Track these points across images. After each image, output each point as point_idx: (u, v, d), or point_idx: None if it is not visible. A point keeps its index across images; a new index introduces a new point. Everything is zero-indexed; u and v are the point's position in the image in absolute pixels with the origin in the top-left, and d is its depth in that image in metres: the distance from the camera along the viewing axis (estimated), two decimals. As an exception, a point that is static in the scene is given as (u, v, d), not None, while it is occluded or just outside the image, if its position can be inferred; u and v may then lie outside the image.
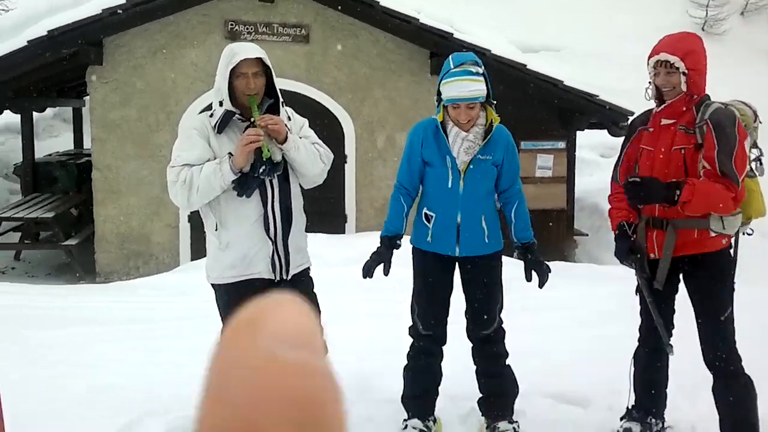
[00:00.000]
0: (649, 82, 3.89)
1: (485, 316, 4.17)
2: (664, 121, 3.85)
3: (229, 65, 3.67)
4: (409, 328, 4.30)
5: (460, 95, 3.91)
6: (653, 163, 3.83)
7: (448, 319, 4.25)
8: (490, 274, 4.19)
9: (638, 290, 4.04)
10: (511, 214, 4.21)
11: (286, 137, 3.73)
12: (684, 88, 3.76)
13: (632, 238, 3.93)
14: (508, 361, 4.28)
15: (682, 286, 3.97)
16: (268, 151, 3.66)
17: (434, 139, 4.08)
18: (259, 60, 3.73)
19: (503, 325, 4.27)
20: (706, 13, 25.30)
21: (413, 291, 4.28)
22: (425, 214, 4.16)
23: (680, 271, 3.90)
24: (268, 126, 3.67)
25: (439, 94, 4.05)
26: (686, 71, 3.75)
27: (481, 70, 3.95)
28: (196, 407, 0.36)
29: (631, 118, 4.23)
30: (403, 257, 4.32)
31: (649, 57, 3.84)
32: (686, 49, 3.77)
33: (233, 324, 0.39)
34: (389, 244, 4.18)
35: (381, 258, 4.16)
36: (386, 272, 4.16)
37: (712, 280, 3.82)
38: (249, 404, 0.33)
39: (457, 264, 4.19)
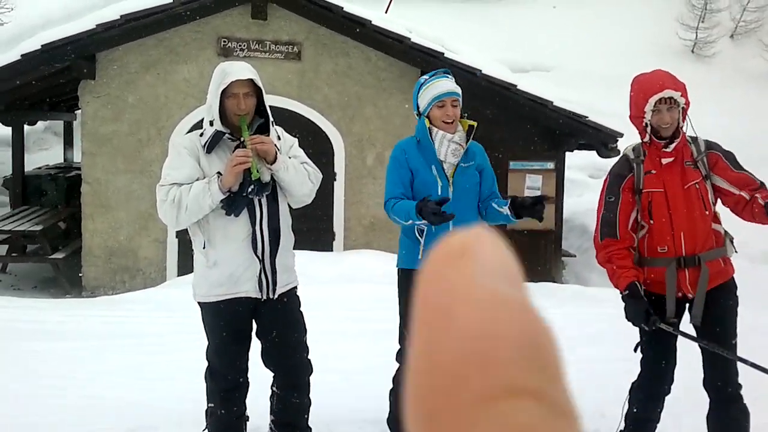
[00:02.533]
0: (646, 122, 3.80)
1: None
2: (665, 161, 3.83)
3: (220, 85, 3.69)
4: (397, 353, 4.24)
5: (446, 89, 4.02)
6: (670, 203, 3.79)
7: None
8: None
9: (640, 344, 3.99)
10: (492, 203, 4.13)
11: (276, 158, 3.76)
12: (682, 123, 3.80)
13: (644, 299, 3.81)
14: None
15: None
16: (258, 171, 3.68)
17: (418, 150, 4.08)
18: (251, 80, 3.76)
19: None
20: (696, 36, 25.52)
21: (401, 320, 4.19)
22: (418, 228, 4.03)
23: (687, 304, 3.91)
24: (257, 146, 3.70)
25: (417, 108, 4.11)
26: (683, 106, 3.79)
27: (453, 79, 4.12)
28: (414, 343, 0.34)
29: (610, 170, 4.01)
30: (389, 275, 4.32)
31: (646, 96, 3.76)
32: (681, 84, 3.80)
33: (440, 256, 0.37)
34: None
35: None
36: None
37: (729, 306, 3.83)
38: (481, 337, 0.32)
39: None
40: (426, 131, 4.05)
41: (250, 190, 3.70)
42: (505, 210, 4.01)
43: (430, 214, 3.70)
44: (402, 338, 4.20)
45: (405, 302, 4.18)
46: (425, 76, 4.14)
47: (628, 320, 3.85)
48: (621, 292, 3.86)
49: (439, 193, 4.00)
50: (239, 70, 3.74)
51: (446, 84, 4.05)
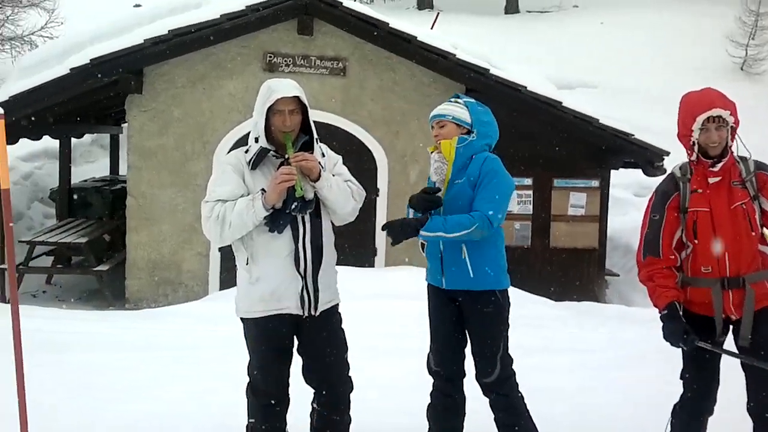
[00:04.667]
0: (693, 140, 3.74)
1: (482, 363, 4.02)
2: (712, 180, 3.77)
3: (266, 103, 3.71)
4: (427, 365, 4.26)
5: (432, 114, 4.18)
6: (716, 223, 3.73)
7: (465, 355, 4.16)
8: (482, 317, 3.99)
9: (684, 364, 3.92)
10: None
11: (320, 175, 3.76)
12: (730, 142, 3.74)
13: (682, 319, 3.76)
14: (527, 406, 4.10)
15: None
16: (302, 189, 3.68)
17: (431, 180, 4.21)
18: (297, 97, 3.76)
19: (510, 374, 4.05)
20: (746, 53, 25.15)
21: (429, 331, 4.27)
22: (421, 244, 4.16)
23: (730, 326, 3.83)
24: (302, 164, 3.69)
25: None
26: (733, 125, 3.72)
27: (460, 100, 4.19)
28: None
29: (656, 188, 3.98)
30: (426, 290, 4.29)
31: (694, 114, 3.72)
32: (731, 103, 3.75)
33: None
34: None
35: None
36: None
37: None
38: None
39: (456, 300, 4.08)
40: None
41: (293, 207, 3.70)
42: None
43: (419, 200, 3.94)
44: (430, 348, 4.20)
45: (429, 314, 4.25)
46: None
47: (666, 340, 3.80)
48: (660, 311, 3.81)
49: (431, 213, 4.01)
50: (285, 87, 3.76)
51: (435, 110, 4.19)
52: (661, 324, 3.81)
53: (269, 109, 3.73)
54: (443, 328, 4.13)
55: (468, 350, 4.16)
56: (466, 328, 4.09)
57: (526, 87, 10.71)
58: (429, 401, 4.27)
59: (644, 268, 3.91)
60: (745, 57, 25.13)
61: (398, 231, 3.81)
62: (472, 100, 4.21)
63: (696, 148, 3.77)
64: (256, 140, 3.77)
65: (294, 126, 3.77)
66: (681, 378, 3.94)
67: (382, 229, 3.89)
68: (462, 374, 4.18)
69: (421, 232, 3.79)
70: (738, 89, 14.10)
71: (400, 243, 3.88)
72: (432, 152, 4.18)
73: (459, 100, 4.19)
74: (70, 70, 10.15)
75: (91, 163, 18.66)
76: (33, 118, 10.85)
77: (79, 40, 11.18)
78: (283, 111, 3.72)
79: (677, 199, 3.84)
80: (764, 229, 3.80)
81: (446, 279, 4.02)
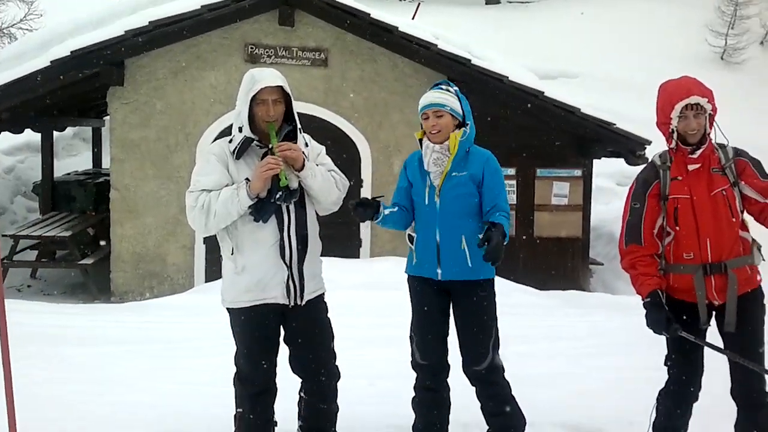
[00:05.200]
0: (672, 128, 3.78)
1: (475, 351, 4.05)
2: (692, 167, 3.81)
3: (249, 92, 3.72)
4: (411, 359, 4.25)
5: (426, 101, 4.09)
6: (696, 210, 3.76)
7: (448, 348, 4.19)
8: (478, 305, 4.05)
9: (669, 356, 3.96)
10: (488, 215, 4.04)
11: (303, 164, 3.78)
12: (709, 129, 3.78)
13: (665, 307, 3.80)
14: (513, 393, 4.16)
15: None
16: (286, 178, 3.70)
17: (418, 163, 4.16)
18: (280, 87, 3.77)
19: (499, 362, 4.11)
20: (725, 42, 25.32)
21: (411, 320, 4.24)
22: (408, 235, 4.17)
23: (713, 312, 3.87)
24: (286, 153, 3.71)
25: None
26: (711, 113, 3.77)
27: (452, 89, 4.17)
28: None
29: (637, 176, 4.01)
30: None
31: (672, 102, 3.75)
32: (708, 90, 3.79)
33: None
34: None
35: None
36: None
37: (756, 314, 3.81)
38: None
39: (447, 290, 4.11)
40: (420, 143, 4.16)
41: (278, 196, 3.72)
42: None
43: (354, 207, 3.96)
44: (411, 341, 4.21)
45: (411, 305, 4.25)
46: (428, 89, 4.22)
47: (649, 327, 3.84)
48: (642, 299, 3.85)
49: (426, 202, 4.06)
50: (269, 76, 3.77)
51: (429, 95, 4.12)
52: (644, 311, 3.86)
53: (252, 99, 3.73)
54: (431, 320, 4.12)
55: (451, 341, 4.18)
56: (457, 318, 4.12)
57: (508, 77, 10.74)
58: (413, 395, 4.28)
59: (626, 256, 3.94)
60: (724, 47, 25.29)
61: (500, 249, 3.72)
62: (458, 90, 4.21)
63: (675, 135, 3.80)
64: (240, 130, 3.77)
65: (277, 116, 3.79)
66: (665, 365, 3.98)
67: (487, 260, 3.74)
68: (447, 367, 4.20)
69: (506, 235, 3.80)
70: (718, 79, 14.20)
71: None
72: (421, 139, 4.15)
73: (450, 89, 4.17)
74: (51, 62, 10.08)
75: (73, 156, 18.54)
76: (14, 111, 10.79)
77: (59, 32, 11.13)
78: (267, 100, 3.73)
79: (657, 187, 3.87)
80: (744, 214, 3.86)
81: (443, 270, 4.02)
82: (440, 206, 3.98)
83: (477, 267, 4.00)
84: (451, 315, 4.18)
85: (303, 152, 3.82)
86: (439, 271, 4.03)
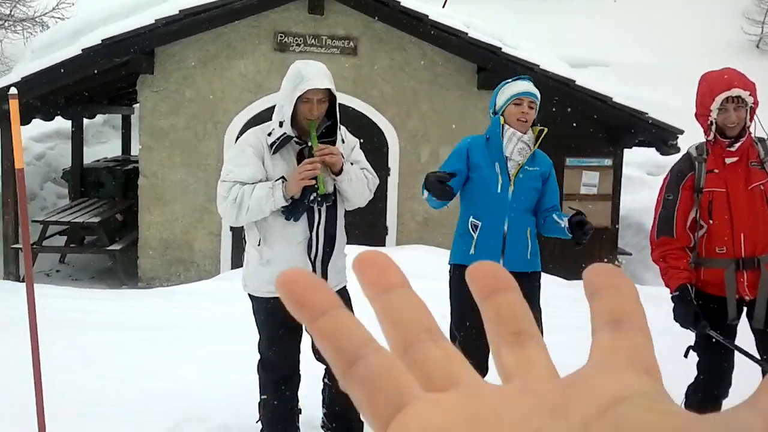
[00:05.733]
0: (711, 120, 3.71)
1: None
2: (729, 160, 3.74)
3: (295, 90, 3.63)
4: None
5: (525, 89, 4.06)
6: (732, 203, 3.71)
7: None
8: (530, 296, 4.04)
9: (692, 347, 3.91)
10: (553, 215, 4.13)
11: (341, 169, 3.74)
12: (749, 123, 3.71)
13: (694, 302, 3.77)
14: None
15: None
16: (324, 185, 3.66)
17: (485, 146, 4.11)
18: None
19: None
20: (762, 30, 24.91)
21: (452, 318, 4.19)
22: (471, 222, 4.10)
23: (745, 308, 3.81)
24: (325, 159, 3.66)
25: (493, 107, 4.15)
26: (752, 106, 3.69)
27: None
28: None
29: (672, 167, 3.98)
30: (441, 271, 4.28)
31: (713, 93, 3.68)
32: (751, 83, 3.71)
33: None
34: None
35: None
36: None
37: None
38: None
39: None
40: (498, 128, 4.06)
41: (312, 198, 3.69)
42: (564, 223, 4.00)
43: (434, 182, 3.86)
44: (452, 337, 4.15)
45: (455, 299, 4.17)
46: (509, 80, 4.21)
47: (676, 321, 3.80)
48: (671, 293, 3.80)
49: (498, 190, 4.02)
50: (317, 77, 3.65)
51: (526, 84, 4.11)
52: (672, 304, 3.80)
53: (298, 97, 3.65)
54: (479, 318, 4.09)
55: None
56: None
57: (539, 66, 10.65)
58: None
59: (657, 248, 3.90)
60: (761, 35, 24.91)
61: (587, 233, 3.90)
62: None
63: (713, 128, 3.73)
64: (281, 124, 3.71)
65: (320, 115, 3.73)
66: (685, 357, 3.93)
67: (580, 236, 3.95)
68: (488, 365, 4.17)
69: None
70: (753, 67, 13.96)
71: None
72: (507, 127, 4.07)
73: (531, 81, 4.22)
74: (82, 50, 10.15)
75: (103, 143, 18.70)
76: (45, 99, 10.87)
77: (90, 21, 11.19)
78: (312, 99, 3.65)
79: (692, 179, 3.81)
80: None
81: (506, 260, 4.02)
82: (513, 195, 3.99)
83: (534, 259, 4.11)
84: None
85: (341, 154, 3.77)
86: (501, 261, 4.01)
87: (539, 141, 4.09)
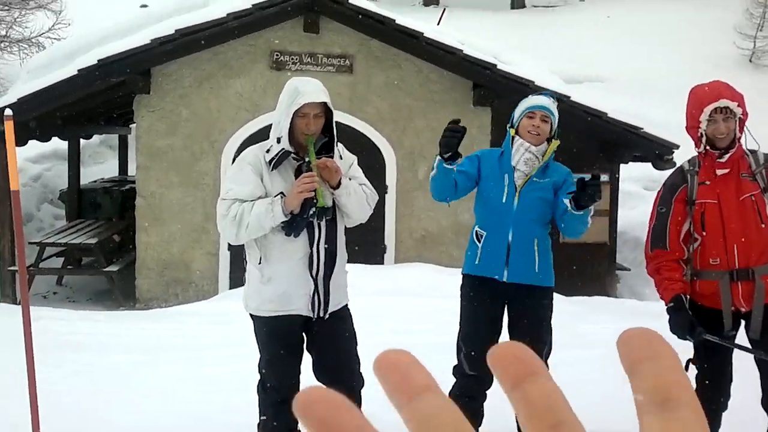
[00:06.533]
0: (701, 132, 3.73)
1: None
2: (720, 172, 3.76)
3: (292, 105, 3.66)
4: (454, 367, 4.18)
5: (539, 102, 4.11)
6: (724, 215, 3.72)
7: None
8: (538, 312, 4.04)
9: (692, 361, 3.90)
10: (561, 200, 4.01)
11: (340, 182, 3.74)
12: (739, 134, 3.73)
13: (689, 312, 3.77)
14: None
15: None
16: (323, 198, 3.66)
17: (497, 159, 4.14)
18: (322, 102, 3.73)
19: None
20: (754, 45, 25.03)
21: (460, 328, 4.19)
22: (476, 232, 4.11)
23: (740, 320, 3.81)
24: (323, 172, 3.68)
25: (511, 120, 4.20)
26: (741, 117, 3.71)
27: (555, 103, 4.25)
28: None
29: (665, 181, 4.01)
30: (440, 288, 4.27)
31: (702, 105, 3.71)
32: (739, 94, 3.74)
33: None
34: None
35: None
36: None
37: None
38: None
39: (506, 297, 4.08)
40: (509, 140, 4.11)
41: (311, 213, 3.69)
42: (567, 203, 3.90)
43: (446, 131, 3.87)
44: (459, 350, 4.15)
45: (463, 311, 4.19)
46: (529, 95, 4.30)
47: (673, 333, 3.78)
48: (666, 304, 3.82)
49: (503, 200, 4.02)
50: (313, 91, 3.69)
51: (542, 99, 4.16)
52: (667, 317, 3.81)
53: (294, 112, 3.68)
54: (485, 330, 4.06)
55: None
56: (513, 323, 4.08)
57: (533, 82, 10.67)
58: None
59: (652, 261, 3.91)
60: (753, 49, 25.02)
61: (592, 197, 3.74)
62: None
63: (704, 139, 3.75)
64: (278, 141, 3.73)
65: (317, 129, 3.74)
66: (696, 370, 3.92)
67: (585, 198, 3.80)
68: (492, 377, 4.14)
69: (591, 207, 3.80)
70: (746, 81, 14.01)
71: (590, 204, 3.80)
72: (515, 137, 4.10)
73: (555, 103, 4.23)
74: (78, 71, 10.16)
75: (100, 164, 18.70)
76: (41, 120, 10.87)
77: (86, 42, 11.21)
78: (308, 114, 3.68)
79: (685, 192, 3.83)
80: None
81: (510, 271, 3.99)
82: (518, 206, 3.96)
83: (543, 273, 4.03)
84: (504, 323, 4.15)
85: (339, 169, 3.77)
86: (506, 272, 3.98)
87: (549, 153, 4.08)
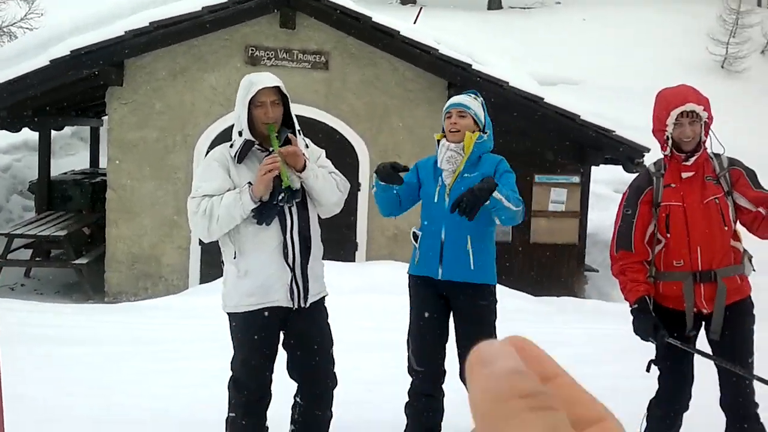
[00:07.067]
0: (667, 135, 3.79)
1: None
2: (685, 175, 3.81)
3: (247, 95, 3.71)
4: (408, 367, 4.24)
5: (453, 101, 4.17)
6: (688, 217, 3.77)
7: (445, 354, 4.17)
8: (477, 312, 4.05)
9: (654, 362, 3.96)
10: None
11: (305, 165, 3.75)
12: (704, 138, 3.78)
13: (653, 314, 3.81)
14: None
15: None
16: (288, 178, 3.68)
17: (432, 165, 4.21)
18: (277, 89, 3.76)
19: None
20: (726, 51, 25.32)
21: (409, 324, 4.25)
22: (413, 233, 4.20)
23: (702, 321, 3.87)
24: (287, 153, 3.70)
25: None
26: (707, 121, 3.77)
27: (478, 99, 4.24)
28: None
29: (630, 183, 4.05)
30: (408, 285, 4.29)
31: (668, 109, 3.76)
32: (705, 98, 3.80)
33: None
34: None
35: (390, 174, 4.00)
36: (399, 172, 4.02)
37: (745, 324, 3.82)
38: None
39: (446, 295, 4.11)
40: (437, 145, 4.20)
41: (280, 197, 3.70)
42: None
43: (380, 170, 3.99)
44: (408, 347, 4.20)
45: (411, 309, 4.26)
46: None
47: (636, 334, 3.85)
48: (630, 305, 3.87)
49: (435, 200, 4.09)
50: (266, 78, 3.78)
51: (457, 97, 4.22)
52: (632, 318, 3.86)
53: (251, 102, 3.73)
54: (428, 324, 4.12)
55: (449, 347, 4.17)
56: (456, 322, 4.11)
57: (508, 83, 10.72)
58: (407, 400, 4.26)
59: (617, 262, 3.97)
60: (725, 55, 25.30)
61: (475, 199, 3.65)
62: (483, 101, 4.28)
63: (670, 142, 3.81)
64: (240, 134, 3.76)
65: (276, 117, 3.78)
66: (647, 371, 3.98)
67: (453, 210, 3.74)
68: (443, 373, 4.19)
69: (494, 193, 3.69)
70: (718, 87, 14.18)
71: (476, 213, 3.69)
72: (440, 140, 4.18)
73: (477, 98, 4.23)
74: (50, 61, 10.06)
75: (71, 155, 18.52)
76: (12, 110, 10.76)
77: (59, 32, 11.10)
78: (265, 102, 3.73)
79: (650, 194, 3.89)
80: (738, 225, 3.85)
81: (444, 269, 4.02)
82: (449, 205, 3.93)
83: (479, 271, 4.01)
84: (450, 320, 4.17)
85: (303, 153, 3.81)
86: (440, 270, 4.02)
87: (469, 145, 4.05)
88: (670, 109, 3.76)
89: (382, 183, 4.06)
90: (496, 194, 3.70)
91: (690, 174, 3.80)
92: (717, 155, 3.88)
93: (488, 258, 4.08)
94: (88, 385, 5.50)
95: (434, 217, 4.09)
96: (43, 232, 11.28)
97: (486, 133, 4.17)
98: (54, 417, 4.75)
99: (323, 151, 4.10)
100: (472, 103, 4.16)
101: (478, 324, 4.05)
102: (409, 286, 4.26)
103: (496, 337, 4.08)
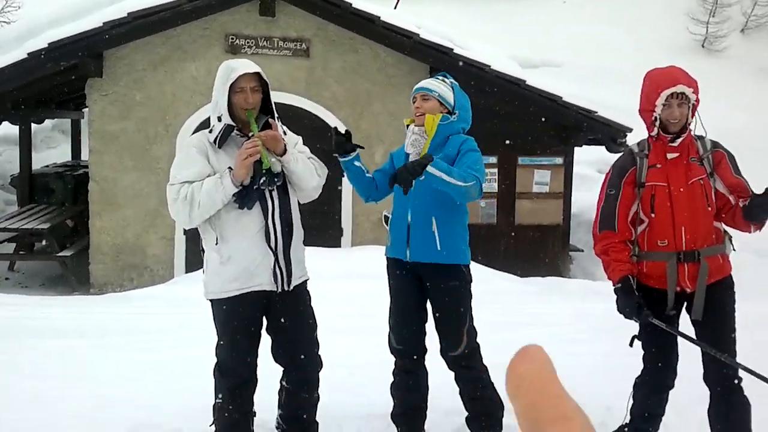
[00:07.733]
0: (655, 116, 3.80)
1: (449, 337, 4.08)
2: (671, 155, 3.84)
3: (227, 81, 3.70)
4: (388, 344, 4.29)
5: (417, 86, 4.19)
6: (673, 197, 3.80)
7: (425, 332, 4.21)
8: (448, 290, 4.06)
9: (637, 337, 3.99)
10: None
11: (285, 149, 3.75)
12: (690, 119, 3.80)
13: (637, 293, 3.84)
14: (491, 378, 4.16)
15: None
16: (268, 161, 3.67)
17: (403, 152, 4.24)
18: (256, 75, 3.75)
19: (476, 347, 4.13)
20: (707, 30, 25.44)
21: (389, 307, 4.31)
22: (384, 216, 4.28)
23: (685, 300, 3.90)
24: (267, 136, 3.70)
25: None
26: (694, 103, 3.79)
27: (447, 80, 4.23)
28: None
29: (614, 163, 4.05)
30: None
31: (658, 89, 3.77)
32: (694, 81, 3.81)
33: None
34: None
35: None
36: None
37: (727, 301, 3.85)
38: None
39: (418, 275, 4.13)
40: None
41: (261, 181, 3.71)
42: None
43: (334, 147, 4.08)
44: (389, 326, 4.24)
45: (390, 294, 4.29)
46: None
47: (620, 313, 3.88)
48: (614, 285, 3.89)
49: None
50: (246, 64, 3.77)
51: (422, 82, 4.23)
52: (615, 297, 3.89)
53: (231, 88, 3.71)
54: (403, 303, 4.17)
55: (429, 326, 4.20)
56: (430, 303, 4.14)
57: (490, 66, 10.73)
58: (392, 380, 4.30)
59: (600, 242, 3.99)
60: (705, 34, 25.40)
61: (407, 173, 3.66)
62: (456, 84, 4.26)
63: (657, 123, 3.82)
64: (219, 119, 3.75)
65: (256, 103, 3.78)
66: (630, 345, 4.02)
67: (392, 184, 3.82)
68: (423, 350, 4.23)
69: (429, 168, 3.64)
70: (699, 66, 14.22)
71: (411, 186, 3.70)
72: (408, 125, 4.20)
73: (446, 80, 4.23)
74: (28, 54, 9.98)
75: (52, 148, 18.43)
76: (-9, 104, 10.68)
77: (36, 24, 11.02)
78: (245, 88, 3.72)
79: (634, 174, 3.91)
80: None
81: (411, 251, 4.05)
82: (415, 186, 3.87)
83: (446, 251, 4.02)
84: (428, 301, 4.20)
85: (281, 137, 3.81)
86: (408, 252, 4.05)
87: (431, 127, 4.06)
88: (660, 90, 3.77)
89: (342, 160, 4.11)
90: (430, 168, 3.65)
91: (675, 155, 3.83)
92: (700, 137, 3.91)
93: (456, 238, 4.07)
94: (73, 377, 5.49)
95: (401, 200, 4.12)
96: (26, 226, 11.22)
97: (455, 114, 4.15)
98: (42, 408, 4.74)
99: (300, 138, 4.12)
100: (437, 86, 4.15)
101: (452, 303, 4.08)
102: (386, 267, 4.29)
103: (471, 315, 4.11)
